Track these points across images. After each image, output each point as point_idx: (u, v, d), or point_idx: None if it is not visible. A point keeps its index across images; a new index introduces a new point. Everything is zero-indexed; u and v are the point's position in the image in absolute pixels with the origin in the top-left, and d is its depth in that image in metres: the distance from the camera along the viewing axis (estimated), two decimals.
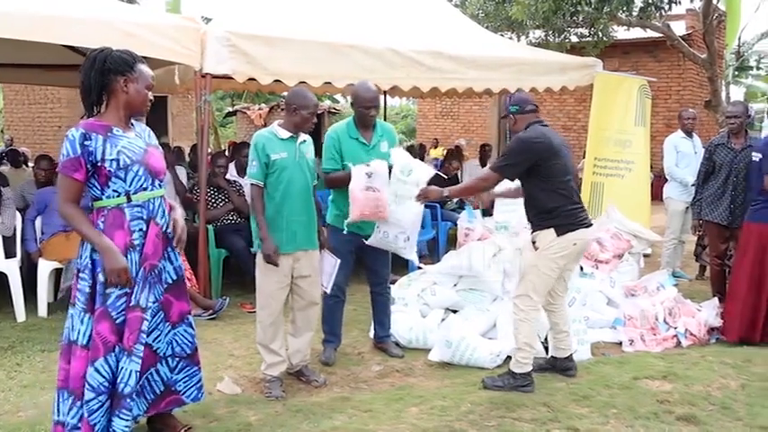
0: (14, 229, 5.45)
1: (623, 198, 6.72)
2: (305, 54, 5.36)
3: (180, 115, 16.08)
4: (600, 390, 3.83)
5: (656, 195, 7.65)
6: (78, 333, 2.79)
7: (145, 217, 2.84)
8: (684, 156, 6.57)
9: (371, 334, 4.64)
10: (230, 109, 20.66)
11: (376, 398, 3.76)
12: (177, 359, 3.06)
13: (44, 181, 5.85)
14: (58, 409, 2.83)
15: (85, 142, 2.71)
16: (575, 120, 15.54)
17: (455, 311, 4.82)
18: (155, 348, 2.96)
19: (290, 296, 3.83)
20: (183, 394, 3.10)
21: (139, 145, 2.85)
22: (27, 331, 4.85)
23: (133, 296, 2.78)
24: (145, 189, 2.84)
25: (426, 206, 7.28)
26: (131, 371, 2.76)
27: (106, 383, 2.75)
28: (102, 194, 2.80)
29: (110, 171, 2.75)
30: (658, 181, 8.45)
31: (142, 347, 2.80)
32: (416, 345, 4.55)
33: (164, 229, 2.93)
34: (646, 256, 6.74)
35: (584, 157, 7.75)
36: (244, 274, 5.39)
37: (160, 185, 2.93)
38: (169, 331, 3.01)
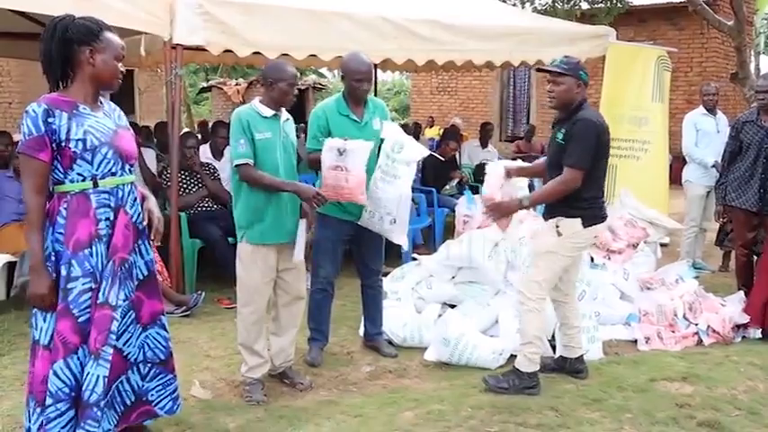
0: None
1: (638, 182, 6.76)
2: (287, 23, 5.34)
3: (148, 91, 15.98)
4: (613, 392, 3.86)
5: (676, 179, 7.68)
6: (40, 332, 2.77)
7: (113, 205, 2.82)
8: (705, 134, 6.60)
9: (361, 331, 4.66)
10: (204, 84, 20.59)
11: (367, 402, 3.78)
12: (149, 365, 3.02)
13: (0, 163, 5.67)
14: (29, 416, 2.80)
15: (49, 119, 2.67)
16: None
17: (453, 306, 4.85)
18: (125, 354, 2.90)
19: (274, 291, 3.84)
20: (155, 405, 3.05)
21: (108, 125, 2.82)
22: None
23: (101, 293, 2.74)
24: (113, 174, 2.81)
25: (421, 191, 7.39)
26: (99, 376, 2.71)
27: (66, 389, 2.70)
28: (65, 178, 2.75)
29: (75, 152, 2.70)
30: (678, 163, 8.50)
31: (111, 350, 2.75)
32: (411, 343, 4.58)
33: (134, 219, 2.91)
34: (663, 245, 6.79)
35: None
36: (220, 266, 5.40)
37: (130, 171, 2.91)
38: (140, 334, 2.96)
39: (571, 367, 4.08)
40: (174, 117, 5.47)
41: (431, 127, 16.19)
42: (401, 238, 4.22)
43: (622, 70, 7.02)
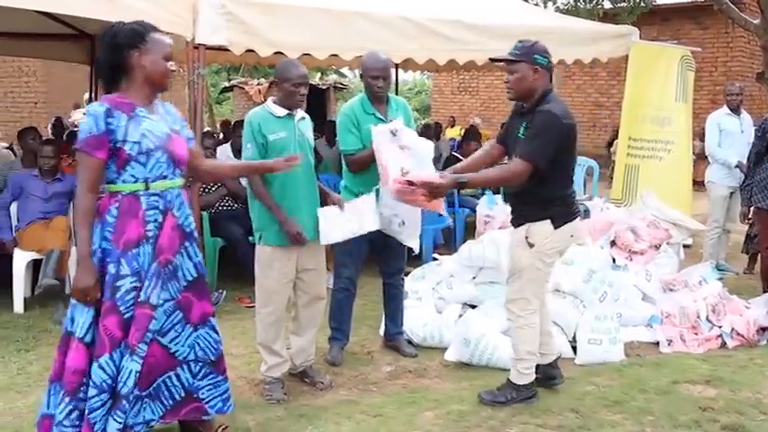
0: None
1: (661, 182, 6.71)
2: (309, 23, 5.35)
3: (170, 91, 16.05)
4: (634, 394, 3.84)
5: (700, 179, 7.62)
6: (77, 325, 2.84)
7: (161, 207, 2.88)
8: (728, 135, 6.53)
9: (382, 331, 4.67)
10: (226, 84, 20.67)
11: (387, 401, 3.78)
12: (200, 364, 3.08)
13: (49, 169, 5.65)
14: (48, 402, 2.89)
15: (109, 119, 2.75)
16: (607, 95, 15.49)
17: (473, 307, 4.84)
18: (172, 351, 2.98)
19: (293, 291, 3.85)
20: (206, 403, 3.12)
21: (163, 129, 2.89)
22: (1, 329, 4.89)
23: (143, 291, 2.81)
24: (165, 177, 2.88)
25: None
26: (131, 370, 2.79)
27: (109, 381, 2.79)
28: (118, 178, 2.83)
29: (129, 154, 2.78)
30: (701, 162, 8.42)
31: (146, 347, 2.83)
32: (431, 343, 4.58)
33: (181, 221, 2.96)
34: (686, 246, 6.73)
35: (617, 138, 7.74)
36: (242, 265, 5.42)
37: (181, 175, 2.98)
38: (190, 334, 3.02)
39: (544, 373, 3.87)
40: (195, 117, 5.49)
41: (452, 127, 16.16)
42: (412, 242, 4.20)
43: (645, 70, 6.97)
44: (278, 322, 3.80)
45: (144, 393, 2.90)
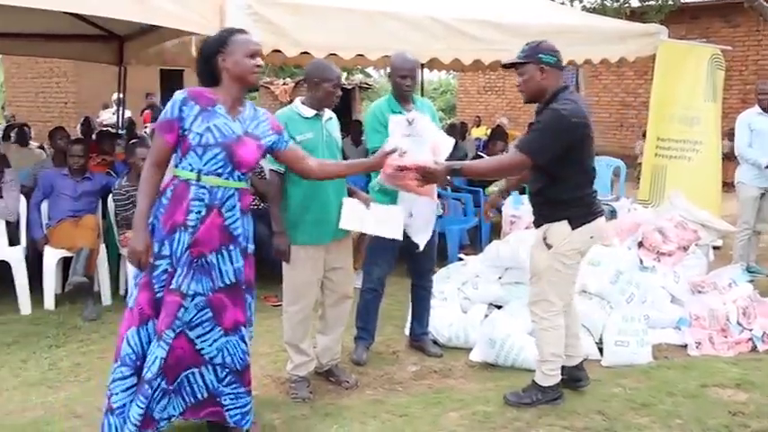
0: (18, 215, 5.59)
1: (690, 183, 6.64)
2: (335, 23, 5.37)
3: None
4: (662, 397, 3.80)
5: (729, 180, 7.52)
6: (131, 298, 3.01)
7: (207, 201, 2.94)
8: (759, 134, 6.43)
9: (407, 331, 4.67)
10: None
11: (412, 401, 3.79)
12: (227, 370, 3.12)
13: (78, 168, 5.70)
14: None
15: (183, 107, 2.93)
16: (634, 95, 15.34)
17: (499, 307, 4.83)
18: (198, 348, 3.02)
19: (321, 290, 3.86)
20: (226, 411, 3.15)
21: (234, 129, 2.98)
22: (33, 325, 4.98)
23: (174, 278, 2.91)
24: (218, 175, 2.96)
25: (468, 191, 7.36)
26: (157, 357, 2.88)
27: (133, 356, 2.91)
28: (179, 164, 2.98)
29: (190, 144, 2.92)
30: (730, 163, 8.31)
31: (173, 335, 2.91)
32: (456, 343, 4.57)
33: (227, 223, 3.00)
34: (716, 248, 6.65)
35: (644, 137, 7.66)
36: (267, 264, 5.44)
37: (240, 179, 3.02)
38: (220, 336, 3.06)
39: (570, 375, 3.86)
40: None
41: (477, 126, 16.12)
42: (420, 237, 4.16)
43: (673, 69, 6.89)
44: (305, 321, 3.81)
45: (171, 387, 2.97)
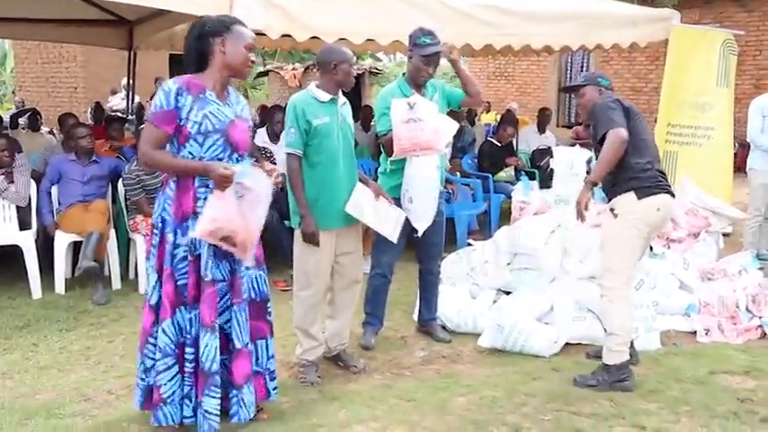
0: (30, 199, 5.62)
1: (701, 169, 6.58)
2: (345, 8, 5.34)
3: None
4: (670, 384, 3.80)
5: (741, 167, 7.47)
6: (150, 291, 3.07)
7: (211, 186, 2.97)
8: None
9: (416, 316, 4.68)
10: (262, 69, 20.77)
11: (420, 386, 3.80)
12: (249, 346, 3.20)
13: (84, 152, 5.72)
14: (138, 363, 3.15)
15: (178, 97, 2.94)
16: (645, 80, 15.20)
17: (508, 293, 4.83)
18: (226, 332, 3.10)
19: (331, 275, 3.87)
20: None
21: (227, 114, 3.04)
22: (44, 309, 5.02)
23: (203, 266, 2.97)
24: (219, 159, 3.00)
25: (477, 176, 7.35)
26: (214, 347, 2.97)
27: (172, 345, 2.99)
28: (178, 153, 3.00)
29: (189, 132, 2.96)
30: (743, 150, 8.26)
31: (218, 324, 3.02)
32: (465, 329, 4.58)
33: None
34: (726, 235, 6.60)
35: (655, 123, 7.60)
36: (275, 248, 5.47)
37: (238, 160, 3.06)
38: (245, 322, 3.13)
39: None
40: None
41: (487, 112, 16.04)
42: (419, 223, 4.11)
43: (686, 54, 6.82)
44: (317, 305, 3.83)
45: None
